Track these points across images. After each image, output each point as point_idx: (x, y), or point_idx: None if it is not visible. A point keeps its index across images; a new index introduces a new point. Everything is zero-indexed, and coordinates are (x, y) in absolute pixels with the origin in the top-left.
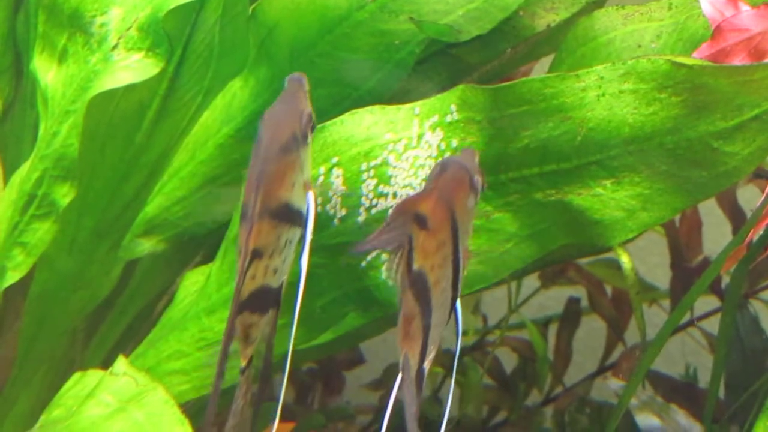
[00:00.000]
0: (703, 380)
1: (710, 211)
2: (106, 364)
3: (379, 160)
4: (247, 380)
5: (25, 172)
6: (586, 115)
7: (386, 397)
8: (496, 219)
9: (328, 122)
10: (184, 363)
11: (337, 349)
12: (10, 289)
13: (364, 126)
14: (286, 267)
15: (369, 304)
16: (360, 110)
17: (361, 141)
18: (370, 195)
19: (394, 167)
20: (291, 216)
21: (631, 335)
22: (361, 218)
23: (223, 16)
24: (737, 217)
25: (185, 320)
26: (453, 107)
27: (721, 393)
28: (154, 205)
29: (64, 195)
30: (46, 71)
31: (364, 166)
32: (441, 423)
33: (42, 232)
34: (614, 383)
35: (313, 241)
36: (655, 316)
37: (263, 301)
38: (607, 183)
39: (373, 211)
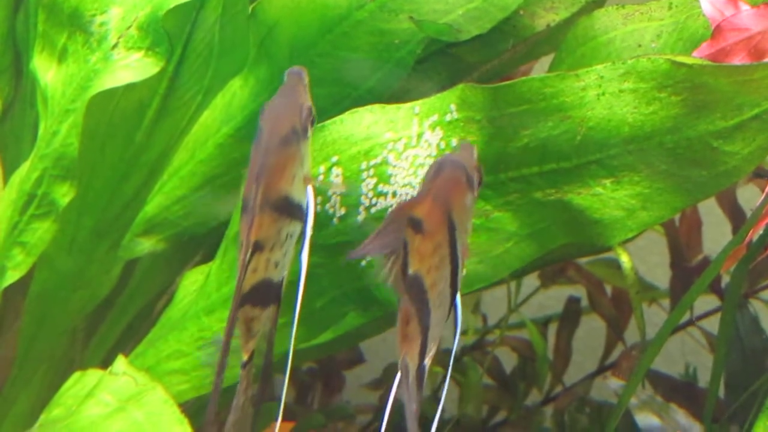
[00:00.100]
0: (703, 380)
1: (710, 211)
2: (106, 363)
3: (378, 159)
4: (248, 375)
5: (25, 171)
6: (585, 115)
7: (386, 397)
8: (495, 218)
9: (328, 121)
10: (183, 362)
11: (337, 349)
12: (9, 289)
13: (364, 125)
14: (286, 261)
15: (369, 303)
16: (360, 109)
17: (361, 140)
18: (370, 194)
19: (394, 166)
20: (291, 209)
21: (631, 335)
22: (360, 217)
23: (223, 15)
24: (737, 217)
25: (185, 320)
26: (453, 106)
27: (721, 392)
28: (153, 205)
29: (64, 194)
30: (45, 70)
31: (363, 165)
32: (434, 420)
33: (42, 231)
34: (614, 383)
35: (312, 241)
36: (655, 315)
37: (264, 294)
38: (607, 182)
39: (373, 210)
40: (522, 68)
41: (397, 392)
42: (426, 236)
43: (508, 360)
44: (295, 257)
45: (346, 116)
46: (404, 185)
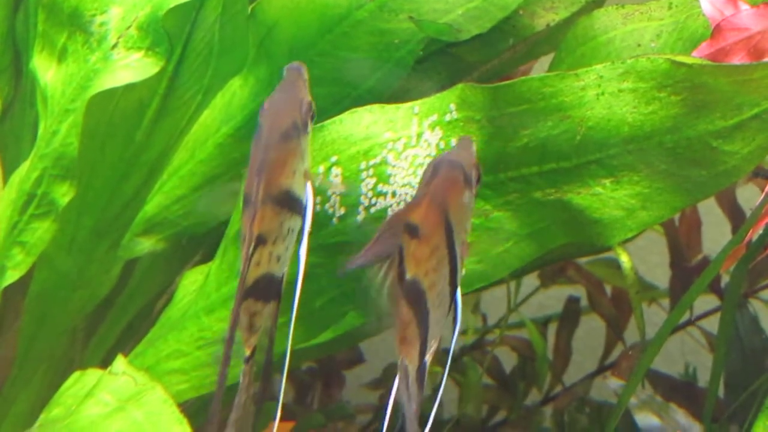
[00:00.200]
0: (703, 379)
1: (710, 210)
2: (106, 363)
3: (378, 159)
4: (250, 372)
5: (25, 171)
6: (585, 114)
7: (386, 397)
8: (495, 218)
9: (328, 121)
10: (183, 362)
11: (336, 349)
12: (9, 289)
13: (364, 125)
14: (288, 256)
15: (368, 303)
16: (359, 109)
17: (361, 140)
18: (369, 194)
19: (394, 166)
20: (292, 204)
21: (631, 334)
22: (360, 217)
23: (223, 14)
24: (737, 216)
25: (184, 319)
26: (452, 106)
27: (721, 392)
28: (153, 204)
29: (64, 194)
30: (45, 70)
31: (363, 165)
32: (429, 420)
33: (41, 231)
34: (614, 382)
35: (311, 241)
36: (655, 315)
37: (267, 288)
38: (607, 182)
39: (372, 210)
40: (522, 68)
41: (397, 394)
42: (422, 240)
43: (508, 360)
44: (294, 255)
45: (346, 116)
46: (404, 185)
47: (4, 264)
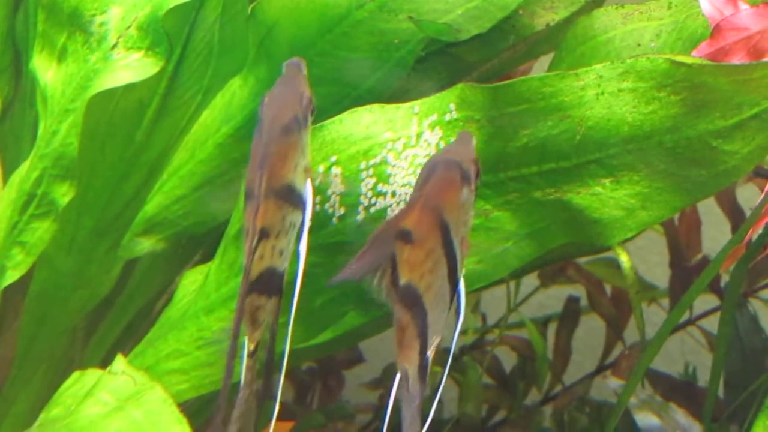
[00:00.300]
0: (703, 379)
1: (709, 210)
2: (106, 363)
3: (378, 159)
4: (254, 367)
5: (25, 171)
6: (585, 114)
7: (386, 397)
8: (495, 218)
9: (327, 121)
10: (182, 362)
11: (336, 349)
12: (9, 289)
13: (363, 125)
14: (289, 251)
15: (368, 303)
16: (359, 109)
17: (360, 140)
18: (369, 194)
19: (393, 166)
20: (294, 198)
21: (631, 334)
22: (359, 217)
23: (223, 14)
24: (736, 216)
25: (184, 319)
26: (452, 106)
27: (721, 392)
28: (153, 204)
29: (64, 194)
30: (45, 70)
31: (363, 165)
32: (427, 421)
33: (41, 231)
34: (613, 382)
35: (311, 241)
36: (655, 315)
37: (270, 283)
38: (606, 182)
39: (372, 210)
40: (521, 68)
41: (397, 395)
42: (416, 245)
43: (508, 359)
44: (293, 252)
45: (346, 116)
46: (403, 185)
47: (4, 264)
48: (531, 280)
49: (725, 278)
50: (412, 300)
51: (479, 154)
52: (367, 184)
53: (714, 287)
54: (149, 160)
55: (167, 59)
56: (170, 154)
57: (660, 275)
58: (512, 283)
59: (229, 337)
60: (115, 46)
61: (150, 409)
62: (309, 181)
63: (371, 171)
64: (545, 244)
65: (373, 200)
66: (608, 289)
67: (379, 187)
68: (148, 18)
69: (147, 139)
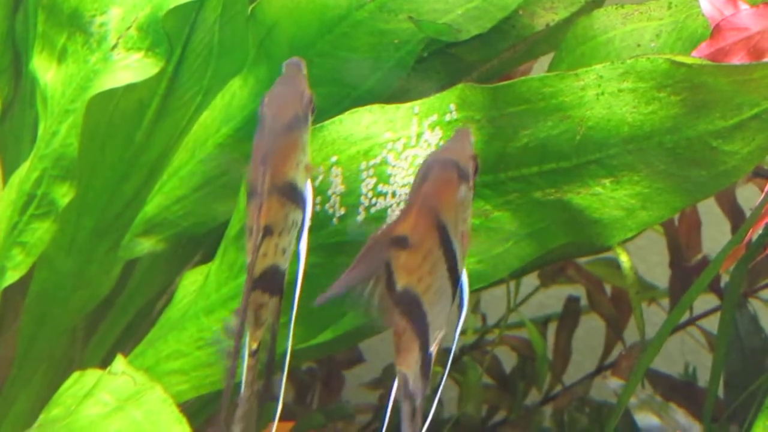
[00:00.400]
0: (703, 379)
1: (709, 210)
2: (106, 363)
3: (378, 159)
4: (256, 366)
5: (25, 171)
6: (585, 114)
7: (386, 397)
8: (495, 218)
9: (327, 121)
10: (182, 362)
11: (336, 349)
12: (9, 289)
13: (363, 125)
14: (291, 249)
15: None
16: (359, 109)
17: (360, 140)
18: (369, 194)
19: (393, 166)
20: (296, 196)
21: (631, 334)
22: (360, 217)
23: (223, 15)
24: (736, 216)
25: (184, 320)
26: (452, 106)
27: (721, 392)
28: (153, 205)
29: (64, 194)
30: (45, 71)
31: (363, 165)
32: (426, 421)
33: (41, 231)
34: (613, 382)
35: (311, 241)
36: (655, 315)
37: (273, 280)
38: (607, 182)
39: (372, 210)
40: (521, 68)
41: (396, 397)
42: (412, 250)
43: (508, 359)
44: (294, 252)
45: (346, 116)
46: (403, 185)
47: (4, 264)
48: (531, 280)
49: (725, 278)
50: (410, 304)
51: (479, 154)
52: (368, 184)
53: (714, 287)
54: (149, 161)
55: (167, 60)
56: (170, 154)
57: (660, 275)
58: (512, 283)
59: (230, 337)
60: (115, 46)
61: (150, 409)
62: (309, 180)
63: (371, 171)
64: (545, 244)
65: (374, 200)
66: (608, 289)
67: (380, 187)
68: (148, 18)
69: (147, 140)
